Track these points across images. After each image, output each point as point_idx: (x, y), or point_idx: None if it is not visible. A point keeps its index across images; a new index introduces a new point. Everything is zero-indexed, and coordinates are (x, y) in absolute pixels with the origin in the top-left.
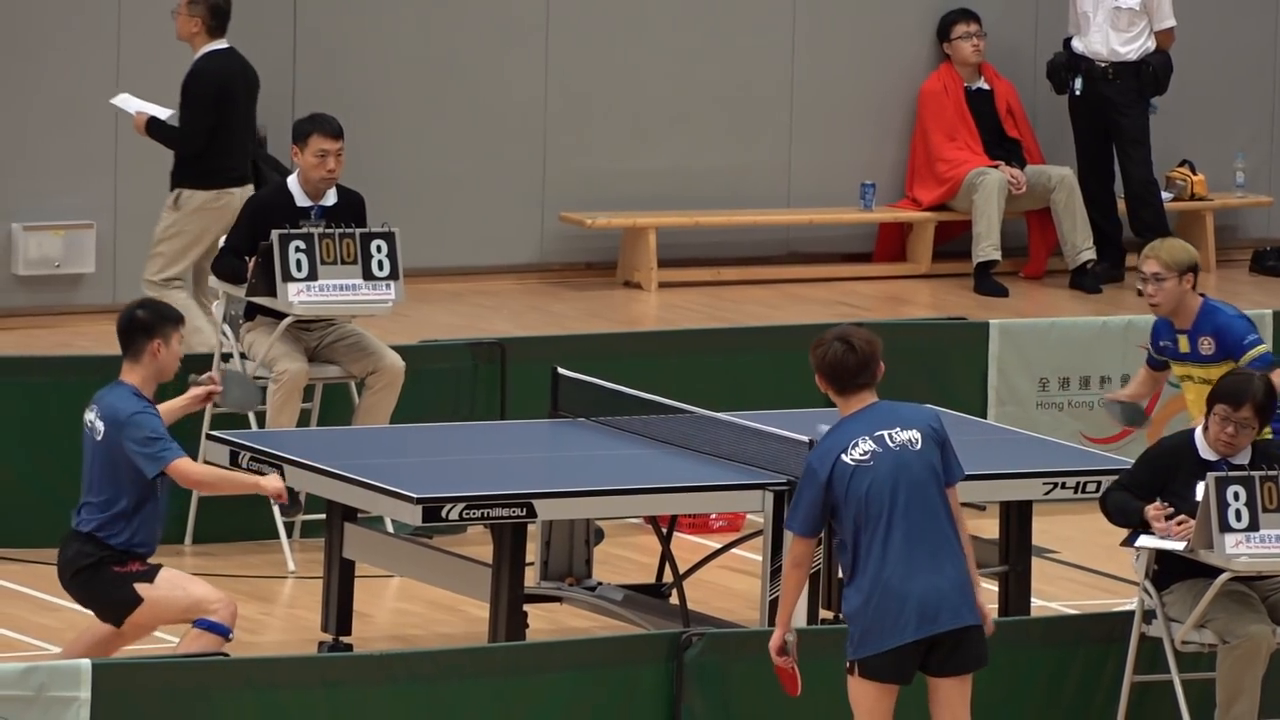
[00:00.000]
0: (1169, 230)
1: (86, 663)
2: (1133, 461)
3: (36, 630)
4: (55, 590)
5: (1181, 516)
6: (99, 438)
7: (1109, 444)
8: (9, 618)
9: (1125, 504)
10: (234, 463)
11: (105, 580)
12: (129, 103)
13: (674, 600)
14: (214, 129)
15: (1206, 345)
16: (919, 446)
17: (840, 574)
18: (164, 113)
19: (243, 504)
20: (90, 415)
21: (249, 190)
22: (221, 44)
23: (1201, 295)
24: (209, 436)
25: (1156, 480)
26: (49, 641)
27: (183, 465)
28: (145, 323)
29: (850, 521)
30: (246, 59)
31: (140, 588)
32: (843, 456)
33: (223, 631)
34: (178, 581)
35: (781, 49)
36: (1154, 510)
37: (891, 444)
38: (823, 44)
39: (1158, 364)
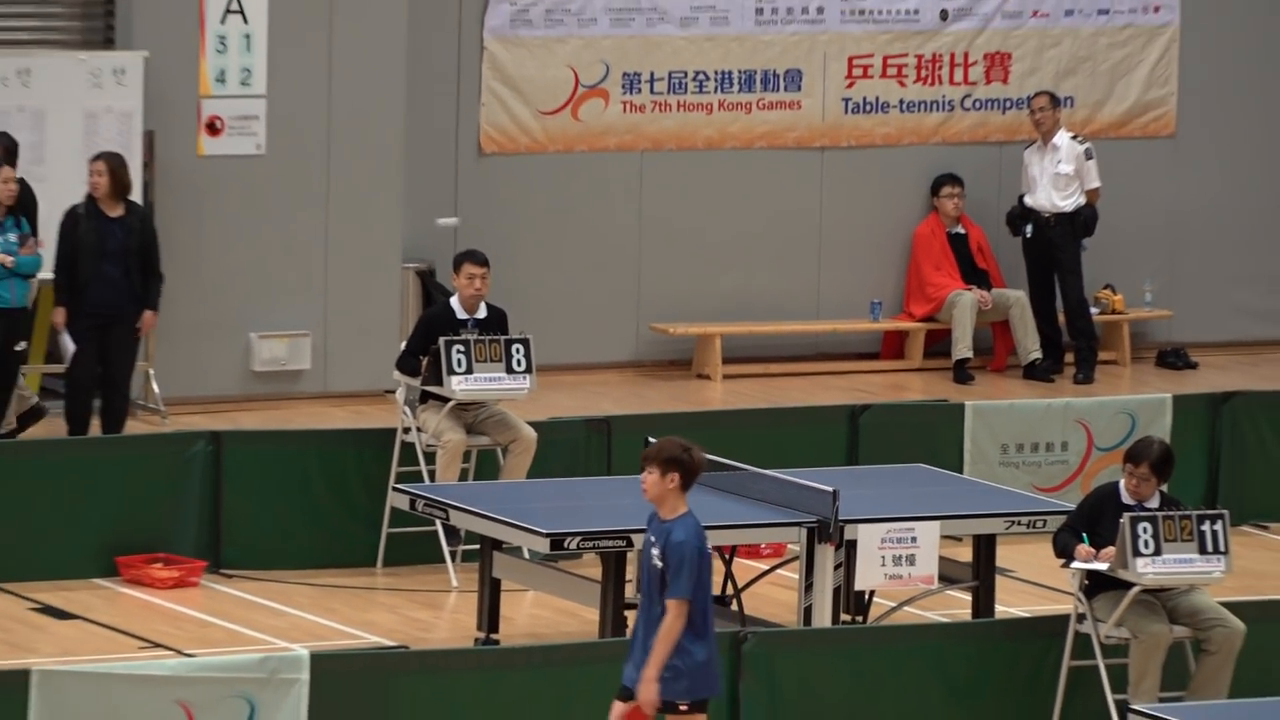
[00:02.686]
0: (1096, 336)
1: (305, 652)
2: (1072, 506)
3: (269, 630)
4: (281, 599)
5: (1109, 548)
6: None
7: (1052, 492)
8: (249, 620)
9: (1066, 543)
10: (412, 508)
11: None
12: None
13: (734, 607)
14: None
15: None
16: None
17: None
18: None
19: (422, 537)
20: None
21: None
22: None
23: None
24: (395, 489)
25: (1090, 518)
26: (277, 638)
27: None
28: None
29: (701, 589)
30: None
31: None
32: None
33: None
34: None
35: (813, 200)
36: (1083, 551)
37: None
38: (843, 196)
39: None
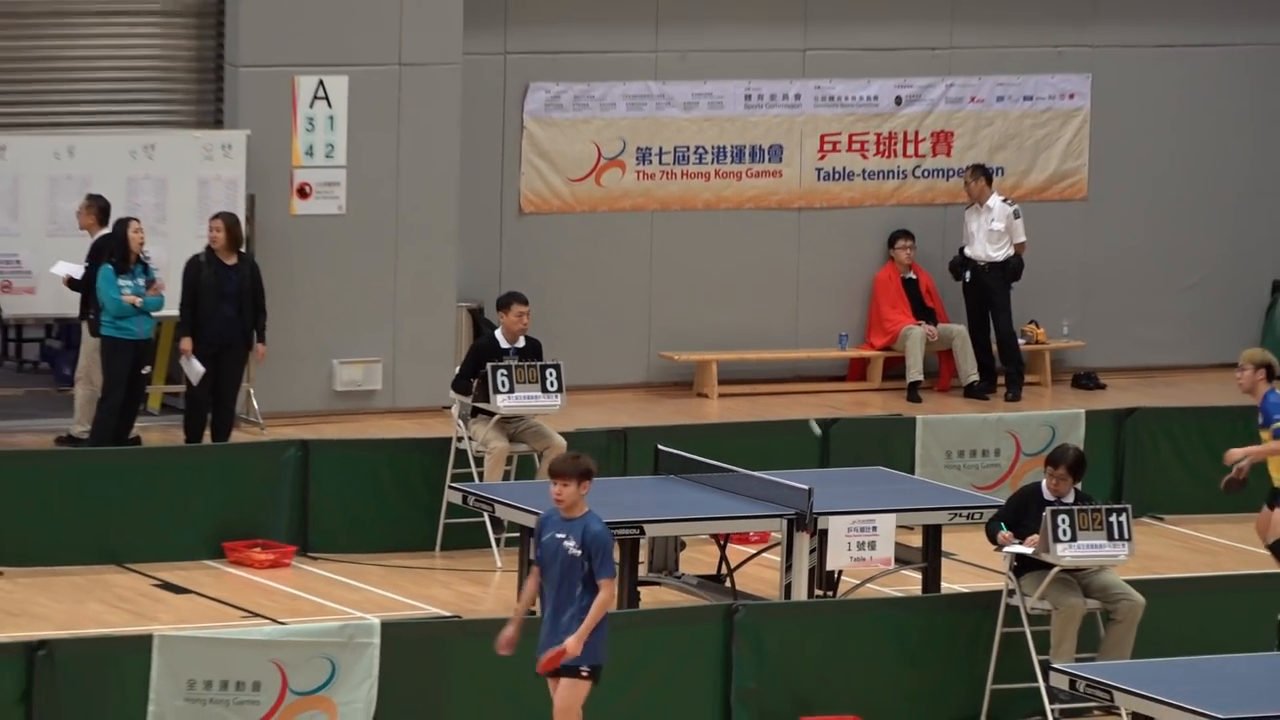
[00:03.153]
0: (1023, 362)
1: (377, 621)
2: (1003, 501)
3: (347, 602)
4: (357, 577)
5: (1034, 535)
6: None
7: (987, 490)
8: (331, 595)
9: (993, 529)
10: (464, 502)
11: None
12: (61, 267)
13: (728, 584)
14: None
15: (1260, 418)
16: None
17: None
18: (78, 270)
19: (473, 526)
20: None
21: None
22: (108, 230)
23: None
24: (450, 487)
25: (1017, 512)
26: (354, 609)
27: None
28: None
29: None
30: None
31: None
32: None
33: None
34: None
35: (791, 251)
36: (1002, 536)
37: None
38: (816, 248)
39: None
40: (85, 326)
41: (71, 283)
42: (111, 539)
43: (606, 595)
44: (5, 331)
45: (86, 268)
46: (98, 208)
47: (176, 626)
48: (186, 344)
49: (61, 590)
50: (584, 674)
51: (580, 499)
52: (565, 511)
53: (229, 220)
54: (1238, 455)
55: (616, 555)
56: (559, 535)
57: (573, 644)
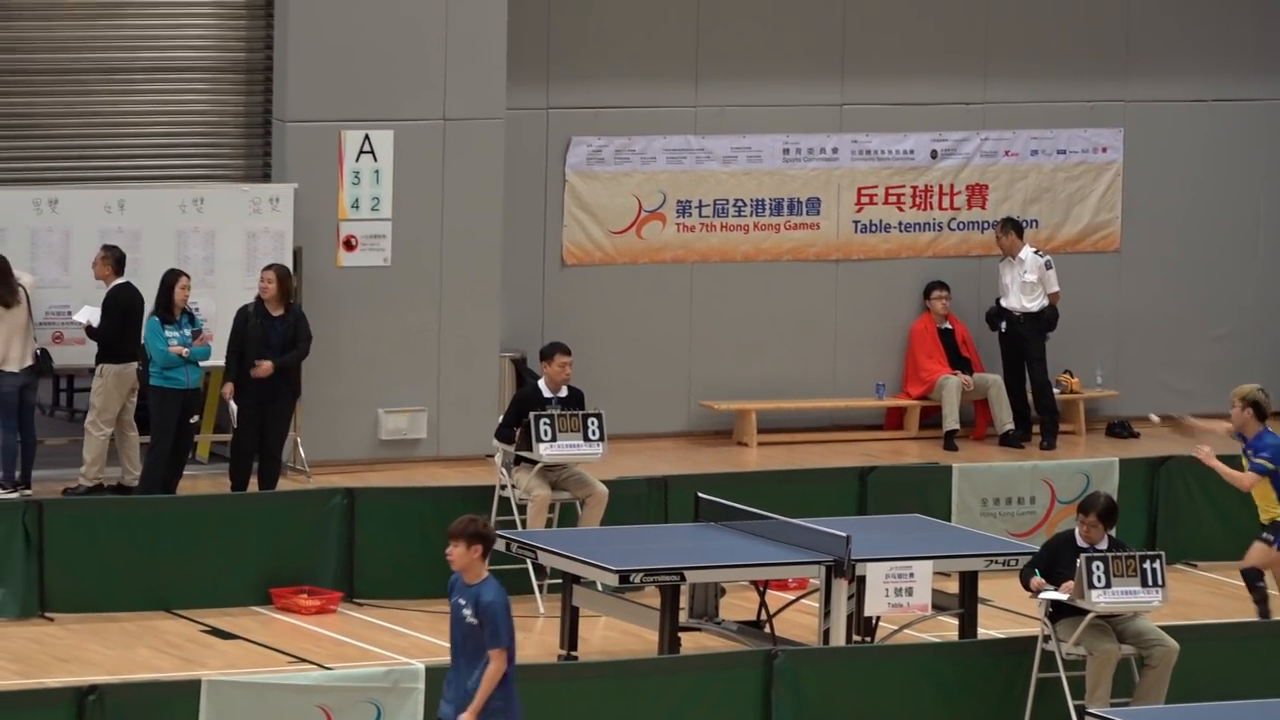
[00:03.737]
0: (1057, 411)
1: (422, 666)
2: (1038, 548)
3: (393, 648)
4: (402, 623)
5: (1069, 581)
6: None
7: (1023, 537)
8: (377, 640)
9: (1030, 575)
10: (507, 549)
11: None
12: (84, 313)
13: (767, 630)
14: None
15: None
16: None
17: None
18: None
19: (516, 573)
20: None
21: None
22: (122, 280)
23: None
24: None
25: (1051, 559)
26: (399, 654)
27: None
28: None
29: (511, 638)
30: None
31: None
32: None
33: None
34: None
35: (829, 302)
36: (1034, 582)
37: None
38: (854, 299)
39: None
40: (98, 369)
41: (90, 330)
42: (161, 586)
43: (495, 667)
44: (56, 382)
45: (102, 318)
46: (114, 258)
47: (224, 672)
48: (228, 389)
49: (112, 636)
50: None
51: (474, 563)
52: (463, 575)
53: (281, 272)
54: (1216, 466)
55: (503, 628)
56: (460, 601)
57: (466, 718)
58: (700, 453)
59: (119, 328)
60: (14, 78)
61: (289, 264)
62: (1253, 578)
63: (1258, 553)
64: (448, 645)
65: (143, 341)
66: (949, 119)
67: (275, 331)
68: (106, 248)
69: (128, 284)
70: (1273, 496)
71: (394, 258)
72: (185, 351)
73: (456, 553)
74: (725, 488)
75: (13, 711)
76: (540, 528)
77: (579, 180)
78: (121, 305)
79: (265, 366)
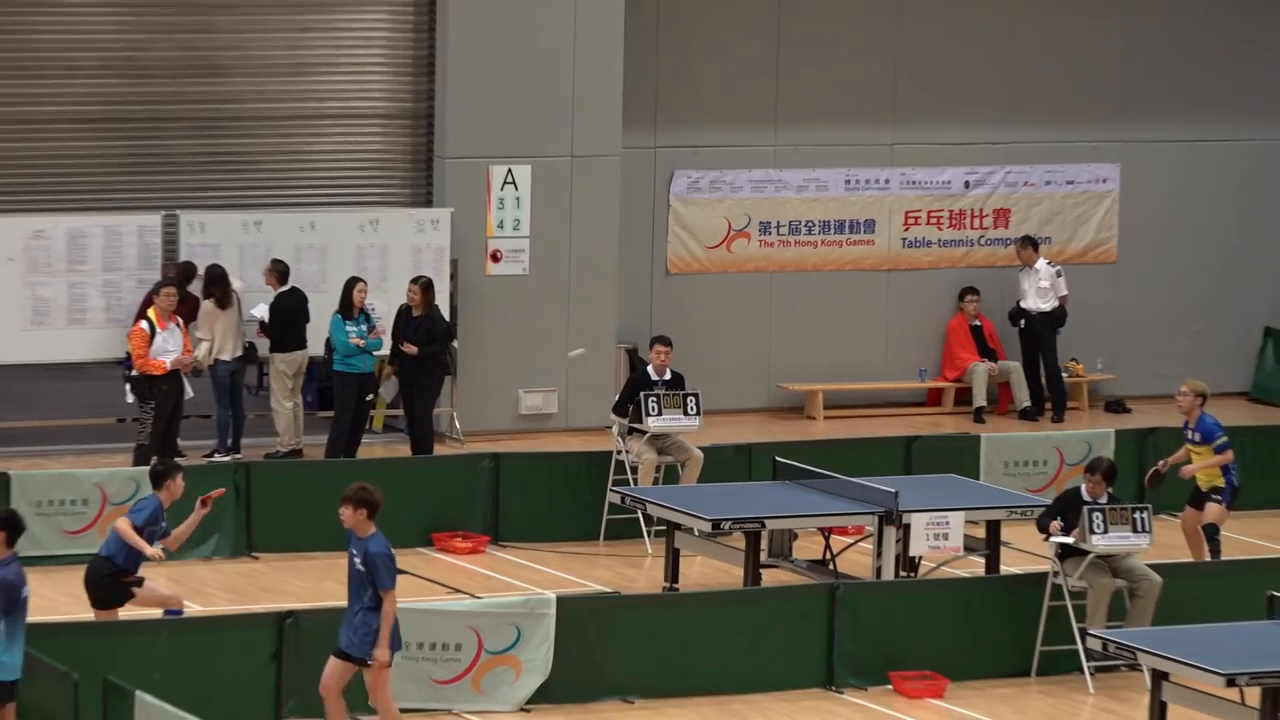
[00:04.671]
0: (1066, 392)
1: (553, 595)
2: (1049, 502)
3: (531, 580)
4: (538, 561)
5: (1075, 528)
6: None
7: (1037, 493)
8: (517, 575)
9: (1043, 523)
10: (622, 502)
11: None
12: (260, 309)
13: (831, 568)
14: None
15: (1197, 436)
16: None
17: None
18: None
19: (629, 521)
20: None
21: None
22: (287, 287)
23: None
24: (612, 490)
25: (1061, 510)
26: (536, 586)
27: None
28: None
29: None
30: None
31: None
32: None
33: (176, 612)
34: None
35: (882, 304)
36: (1053, 526)
37: None
38: (902, 301)
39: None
40: (271, 358)
41: (261, 326)
42: (344, 531)
43: (388, 605)
44: (260, 367)
45: (271, 318)
46: (279, 270)
47: (400, 599)
48: (388, 370)
49: (306, 571)
50: (369, 663)
51: (361, 522)
52: (355, 531)
53: (424, 284)
54: (1192, 470)
55: (385, 573)
56: (353, 552)
57: (380, 653)
58: (777, 425)
59: (282, 324)
60: (227, 124)
61: (447, 274)
62: (1211, 531)
63: (1214, 511)
64: (573, 579)
65: (328, 334)
66: (979, 156)
67: (411, 328)
68: (274, 261)
69: (292, 289)
70: (1216, 469)
71: (531, 267)
72: (362, 343)
73: (346, 513)
74: (798, 453)
75: (227, 632)
76: (649, 485)
77: (680, 205)
78: (284, 308)
79: (410, 348)
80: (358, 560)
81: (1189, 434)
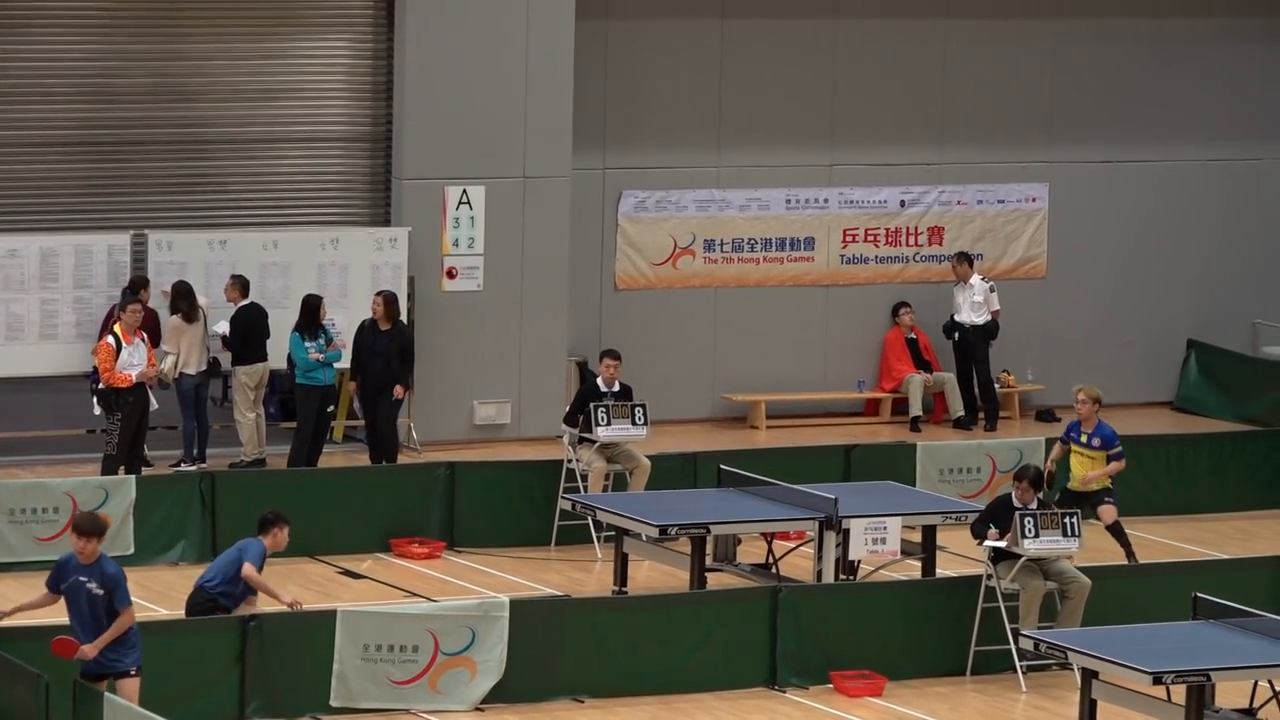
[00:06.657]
0: (998, 401)
1: (507, 599)
2: (982, 507)
3: (484, 585)
4: (491, 566)
5: (1007, 533)
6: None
7: (970, 498)
8: (472, 579)
9: (978, 530)
10: (572, 509)
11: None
12: (221, 326)
13: (774, 571)
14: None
15: (1096, 441)
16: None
17: None
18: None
19: (579, 527)
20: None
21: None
22: (247, 301)
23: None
24: (562, 497)
25: (993, 516)
26: (490, 590)
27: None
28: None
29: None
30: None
31: None
32: None
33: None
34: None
35: (821, 318)
36: (991, 534)
37: None
38: (840, 315)
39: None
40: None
41: (223, 340)
42: (305, 537)
43: (126, 618)
44: (224, 380)
45: (231, 332)
46: (240, 285)
47: (355, 604)
48: (351, 386)
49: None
50: (134, 673)
51: (97, 549)
52: (81, 560)
53: (387, 296)
54: (1095, 477)
55: (124, 591)
56: (82, 579)
57: (89, 649)
58: (721, 434)
59: (242, 337)
60: (194, 146)
61: (405, 291)
62: (1117, 530)
63: (1110, 512)
64: (525, 583)
65: (288, 350)
66: (914, 176)
67: (380, 342)
68: (234, 276)
69: (251, 304)
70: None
71: (485, 284)
72: (321, 357)
73: (89, 545)
74: (741, 461)
75: (192, 635)
76: (598, 492)
77: (628, 224)
78: (244, 320)
79: (399, 390)
80: (94, 587)
81: (1085, 438)
